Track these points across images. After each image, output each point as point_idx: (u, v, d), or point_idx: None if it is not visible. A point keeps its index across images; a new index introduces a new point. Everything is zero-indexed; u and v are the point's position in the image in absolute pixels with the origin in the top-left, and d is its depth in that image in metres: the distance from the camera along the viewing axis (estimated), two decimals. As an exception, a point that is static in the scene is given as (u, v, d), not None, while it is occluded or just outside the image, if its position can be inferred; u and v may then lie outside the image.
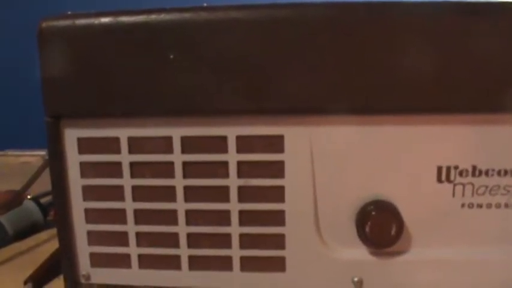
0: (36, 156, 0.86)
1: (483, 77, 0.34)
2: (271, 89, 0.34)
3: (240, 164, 0.36)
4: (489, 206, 0.36)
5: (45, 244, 0.52)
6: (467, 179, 0.36)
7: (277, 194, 0.36)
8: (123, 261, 0.39)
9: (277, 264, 0.38)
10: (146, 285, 0.39)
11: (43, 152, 0.86)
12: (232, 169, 0.36)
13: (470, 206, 0.36)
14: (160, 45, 0.34)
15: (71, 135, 0.37)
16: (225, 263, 0.38)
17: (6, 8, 1.47)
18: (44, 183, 0.54)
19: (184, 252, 0.38)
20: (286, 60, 0.34)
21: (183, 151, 0.36)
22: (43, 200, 0.58)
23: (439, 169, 0.36)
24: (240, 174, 0.36)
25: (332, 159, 0.36)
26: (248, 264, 0.38)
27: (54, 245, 0.50)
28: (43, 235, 0.55)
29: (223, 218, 0.37)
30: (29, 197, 0.58)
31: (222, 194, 0.37)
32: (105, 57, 0.35)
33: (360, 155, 0.36)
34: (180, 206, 0.37)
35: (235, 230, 0.37)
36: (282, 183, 0.36)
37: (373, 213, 0.36)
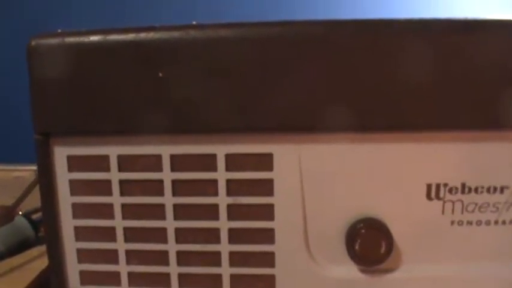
0: (28, 171, 0.86)
1: (473, 95, 0.34)
2: (260, 106, 0.35)
3: (229, 182, 0.36)
4: (479, 223, 0.36)
5: (37, 261, 0.52)
6: (456, 196, 0.36)
7: (267, 212, 0.36)
8: (113, 279, 0.39)
9: (267, 282, 0.37)
10: (136, 303, 0.39)
11: (36, 167, 0.85)
12: (222, 187, 0.36)
13: (460, 223, 0.36)
14: (150, 63, 0.34)
15: (61, 153, 0.37)
16: (214, 281, 0.38)
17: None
18: (36, 198, 0.54)
19: (174, 270, 0.38)
20: (276, 78, 0.34)
21: (173, 169, 0.36)
22: (34, 216, 0.57)
23: (429, 186, 0.36)
24: (229, 193, 0.36)
25: (321, 177, 0.36)
26: (238, 282, 0.38)
27: (45, 261, 0.49)
28: (34, 251, 0.54)
29: (212, 236, 0.37)
30: (20, 213, 0.57)
31: (211, 212, 0.37)
32: (95, 75, 0.35)
33: (349, 173, 0.36)
34: (170, 223, 0.37)
35: (224, 248, 0.37)
36: (271, 201, 0.36)
37: (363, 230, 0.35)
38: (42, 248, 0.54)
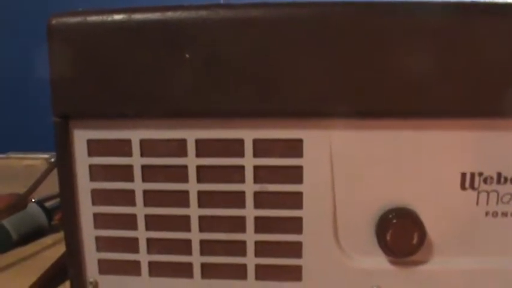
0: (40, 159, 0.85)
1: (508, 80, 0.32)
2: (290, 90, 0.33)
3: (256, 168, 0.35)
4: (514, 214, 0.35)
5: (50, 249, 0.51)
6: (491, 187, 0.35)
7: (295, 200, 0.35)
8: (132, 268, 0.38)
9: (294, 273, 0.36)
10: (156, 294, 0.38)
11: (47, 155, 0.85)
12: (249, 174, 0.35)
13: (495, 214, 0.35)
14: (176, 43, 0.33)
15: (80, 137, 0.36)
16: (239, 272, 0.37)
17: (8, 7, 1.47)
18: (49, 186, 0.53)
19: (196, 259, 0.37)
20: (306, 61, 0.33)
21: (198, 154, 0.35)
22: (48, 204, 0.56)
23: (463, 176, 0.34)
24: (256, 180, 0.35)
25: (352, 165, 0.35)
26: (263, 272, 0.37)
27: (59, 250, 0.49)
28: (48, 240, 0.53)
29: (238, 224, 0.36)
30: (33, 200, 0.56)
31: (237, 199, 0.35)
32: (117, 55, 0.34)
33: (381, 161, 0.34)
34: (193, 211, 0.36)
35: (250, 237, 0.36)
36: (300, 189, 0.35)
37: (394, 221, 0.34)
38: (56, 236, 0.54)
